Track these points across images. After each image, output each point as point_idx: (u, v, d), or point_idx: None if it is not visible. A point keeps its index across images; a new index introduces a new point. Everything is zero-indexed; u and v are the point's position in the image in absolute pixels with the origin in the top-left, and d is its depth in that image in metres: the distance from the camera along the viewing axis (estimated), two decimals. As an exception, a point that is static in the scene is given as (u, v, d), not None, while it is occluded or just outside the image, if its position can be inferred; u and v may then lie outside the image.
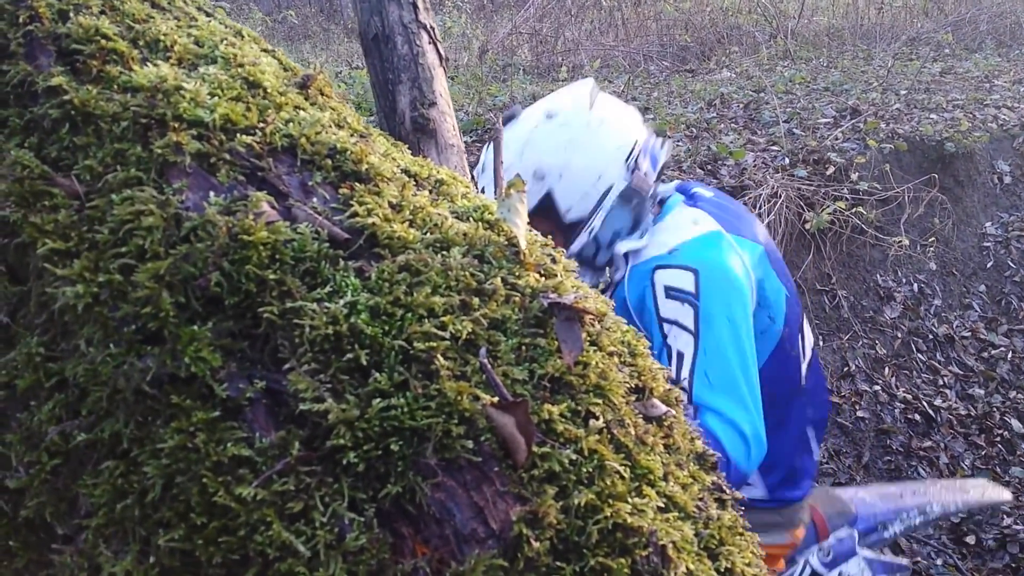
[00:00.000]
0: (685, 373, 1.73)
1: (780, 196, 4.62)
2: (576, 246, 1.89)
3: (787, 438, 1.98)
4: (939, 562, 4.02)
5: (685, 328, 1.74)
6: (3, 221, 0.74)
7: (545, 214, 1.84)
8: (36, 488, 0.68)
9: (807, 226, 4.72)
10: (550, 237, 1.82)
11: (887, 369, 4.84)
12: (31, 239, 0.73)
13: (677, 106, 6.28)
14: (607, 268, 1.94)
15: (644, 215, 1.92)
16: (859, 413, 4.58)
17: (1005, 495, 2.86)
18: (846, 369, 4.74)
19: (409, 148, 1.02)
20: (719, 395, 1.72)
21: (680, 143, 5.28)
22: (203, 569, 0.66)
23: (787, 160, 5.12)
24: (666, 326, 1.76)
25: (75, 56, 0.83)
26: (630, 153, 1.89)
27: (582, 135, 1.85)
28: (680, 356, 1.73)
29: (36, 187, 0.75)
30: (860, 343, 4.88)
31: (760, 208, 4.53)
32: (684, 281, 1.76)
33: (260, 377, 0.72)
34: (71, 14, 0.85)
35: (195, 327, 0.71)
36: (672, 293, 1.76)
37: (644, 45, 8.72)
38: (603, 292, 1.89)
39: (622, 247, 1.89)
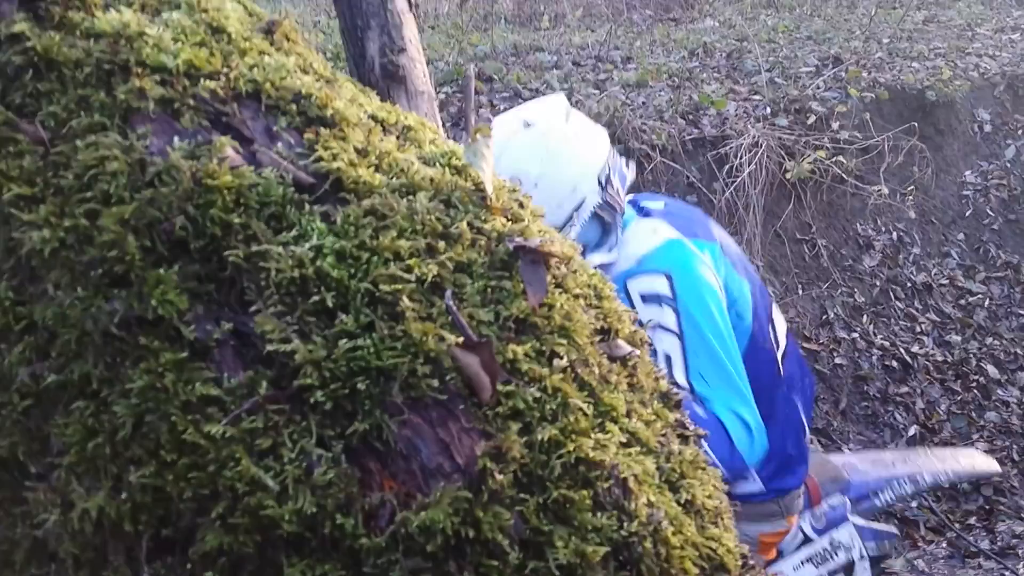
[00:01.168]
0: (679, 374, 1.76)
1: (761, 145, 4.62)
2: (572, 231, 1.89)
3: (776, 430, 2.00)
4: (914, 504, 4.12)
5: (668, 330, 1.75)
6: (-33, 167, 0.74)
7: None
8: (8, 428, 0.70)
9: (788, 175, 4.74)
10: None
11: (865, 317, 4.91)
12: (-4, 185, 0.74)
13: (660, 55, 6.24)
14: None
15: (613, 230, 1.94)
16: (837, 360, 4.65)
17: (994, 466, 2.93)
18: (824, 317, 4.80)
19: (379, 95, 1.03)
20: (719, 390, 1.75)
21: (662, 92, 5.26)
22: (174, 504, 0.68)
23: (768, 109, 5.12)
24: (650, 331, 1.76)
25: (37, 2, 0.82)
26: (602, 169, 1.92)
27: (560, 146, 1.86)
28: (668, 358, 1.76)
29: (1, 133, 0.75)
30: (839, 291, 4.94)
31: (741, 158, 4.54)
32: (658, 285, 1.78)
33: (227, 319, 0.73)
34: (31, -41, 0.84)
35: (161, 270, 0.72)
36: (648, 298, 1.78)
37: (627, -6, 8.61)
38: None
39: (592, 260, 1.89)
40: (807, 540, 2.32)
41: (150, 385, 0.69)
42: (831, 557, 2.38)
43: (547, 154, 1.85)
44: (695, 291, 1.79)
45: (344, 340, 0.73)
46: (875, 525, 2.60)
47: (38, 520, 0.68)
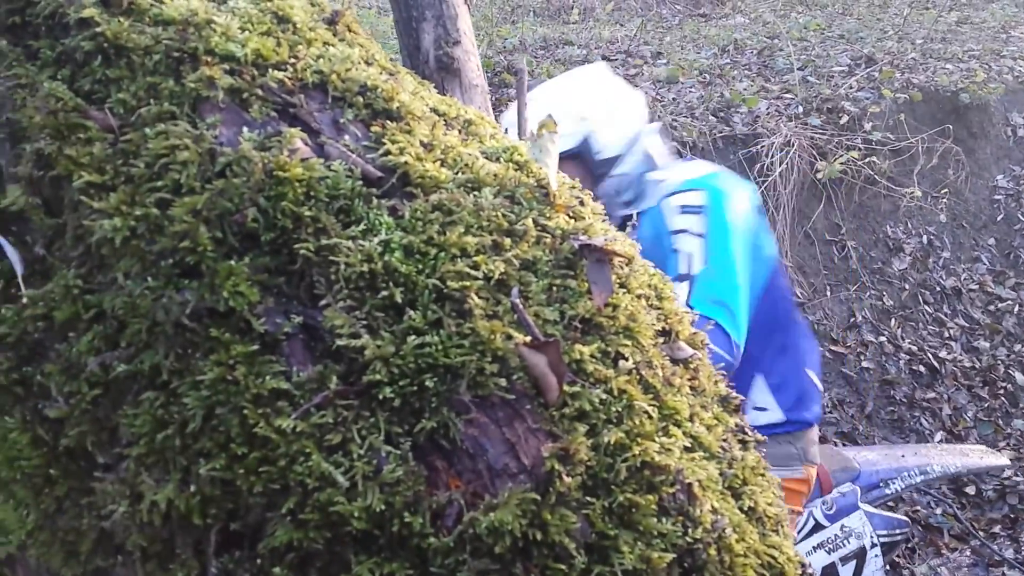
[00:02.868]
0: (695, 269, 1.84)
1: (793, 145, 4.58)
2: (607, 187, 1.96)
3: (792, 360, 2.10)
4: (938, 511, 4.08)
5: (696, 234, 1.86)
6: (38, 154, 0.74)
7: (576, 158, 1.92)
8: (76, 418, 0.69)
9: (819, 175, 4.70)
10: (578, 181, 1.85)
11: (893, 320, 4.86)
12: (66, 172, 0.73)
13: (690, 51, 6.20)
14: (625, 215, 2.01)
15: (647, 188, 2.02)
16: (864, 363, 4.60)
17: (1003, 460, 2.97)
18: (852, 320, 4.76)
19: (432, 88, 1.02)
20: (720, 294, 1.82)
21: (693, 89, 5.22)
22: (243, 498, 0.67)
23: (800, 108, 5.07)
24: (675, 236, 1.87)
25: (106, -13, 0.81)
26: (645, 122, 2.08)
27: (624, 89, 2.03)
28: (689, 256, 1.86)
29: (70, 120, 0.75)
30: (867, 294, 4.89)
31: (772, 157, 4.50)
32: (696, 198, 1.90)
33: (297, 312, 0.73)
34: (100, -56, 0.84)
35: (232, 262, 0.72)
36: (685, 209, 1.89)
37: (657, -12, 8.55)
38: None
39: (624, 211, 2.00)
40: (818, 527, 2.34)
41: (221, 377, 0.68)
42: (843, 544, 2.40)
43: (615, 92, 2.01)
44: (728, 205, 1.90)
45: (412, 336, 0.73)
46: (886, 513, 2.61)
47: (105, 511, 0.68)
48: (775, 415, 2.07)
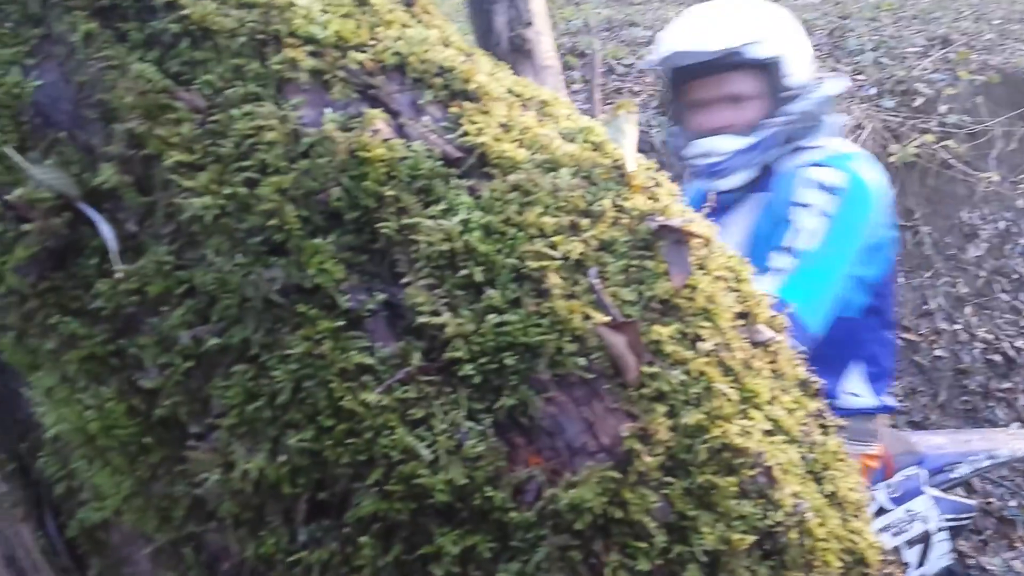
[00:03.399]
0: (803, 245, 1.75)
1: (865, 128, 4.47)
2: (792, 112, 1.86)
3: (889, 351, 2.07)
4: (1013, 504, 3.97)
5: (822, 214, 1.77)
6: (130, 133, 0.76)
7: (762, 70, 1.85)
8: (170, 389, 0.72)
9: (892, 159, 4.58)
10: (746, 104, 1.85)
11: (968, 308, 4.72)
12: (157, 151, 0.76)
13: (758, 33, 6.07)
14: (767, 155, 1.91)
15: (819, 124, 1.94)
16: (937, 352, 4.48)
17: None
18: (925, 307, 4.63)
19: (506, 69, 1.02)
20: (823, 276, 1.75)
21: (760, 72, 5.12)
22: (330, 468, 0.69)
23: (873, 90, 4.94)
24: (793, 208, 1.78)
25: (193, -29, 0.83)
26: None
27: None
28: (805, 232, 1.75)
29: (159, 101, 0.77)
30: (941, 281, 4.76)
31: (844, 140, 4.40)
32: (834, 178, 1.79)
33: (379, 290, 0.74)
34: (187, -71, 0.86)
35: (318, 240, 0.73)
36: (821, 186, 1.79)
37: (723, -31, 8.41)
38: (757, 180, 1.92)
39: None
40: (882, 510, 2.30)
41: (308, 352, 0.70)
42: (907, 528, 2.36)
43: (801, 31, 1.96)
44: (863, 199, 1.81)
45: (492, 315, 0.73)
46: (952, 497, 2.55)
47: (198, 479, 0.70)
48: (868, 401, 2.04)
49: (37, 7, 0.82)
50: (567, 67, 4.80)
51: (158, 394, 0.72)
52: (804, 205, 1.78)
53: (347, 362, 0.70)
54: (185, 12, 0.80)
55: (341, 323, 0.71)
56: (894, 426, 4.01)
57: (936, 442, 2.65)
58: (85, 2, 0.81)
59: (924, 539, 2.38)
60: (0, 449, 0.78)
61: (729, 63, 1.83)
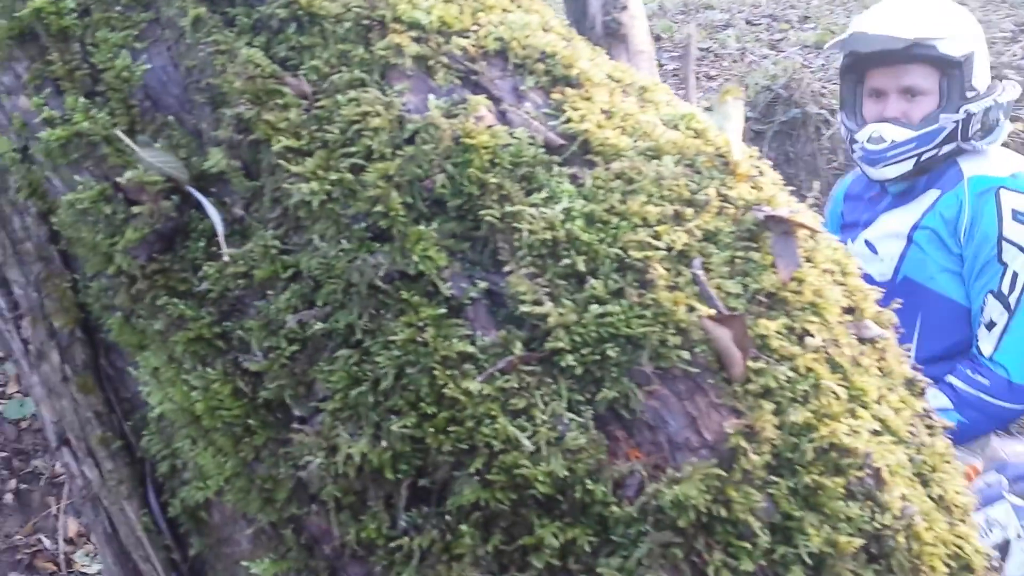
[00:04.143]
0: (1016, 295, 1.80)
1: (952, 115, 4.31)
2: (970, 112, 1.85)
3: None
4: (1100, 508, 3.81)
5: None
6: (238, 118, 0.77)
7: (951, 67, 1.84)
8: (275, 372, 0.73)
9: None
10: (921, 98, 1.86)
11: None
12: (265, 136, 0.76)
13: (840, 15, 5.91)
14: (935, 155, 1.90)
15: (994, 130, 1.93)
16: None
17: None
18: None
19: (599, 54, 1.00)
20: None
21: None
22: (432, 455, 0.69)
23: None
24: (1006, 245, 1.79)
25: (297, -45, 0.84)
26: None
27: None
28: (1015, 276, 1.80)
29: (268, 86, 0.78)
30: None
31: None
32: None
33: (481, 278, 0.74)
34: (293, -87, 0.86)
35: (422, 227, 0.73)
36: (1019, 216, 1.79)
37: (804, -50, 8.19)
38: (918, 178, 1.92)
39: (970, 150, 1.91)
40: None
41: (411, 338, 0.70)
42: (986, 534, 2.29)
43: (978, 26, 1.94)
44: None
45: (594, 305, 0.72)
46: None
47: (302, 462, 0.71)
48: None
49: (147, -9, 0.83)
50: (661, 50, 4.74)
51: (263, 377, 0.73)
52: (1010, 242, 1.79)
53: (449, 350, 0.70)
54: (292, -3, 0.81)
55: (443, 310, 0.71)
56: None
57: (1018, 449, 2.57)
58: (194, -14, 0.81)
59: (1004, 546, 2.31)
60: (106, 427, 0.80)
61: (913, 55, 1.83)
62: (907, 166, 1.89)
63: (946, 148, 1.87)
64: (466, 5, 0.87)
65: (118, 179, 0.76)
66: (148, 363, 0.77)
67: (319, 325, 0.71)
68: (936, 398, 1.85)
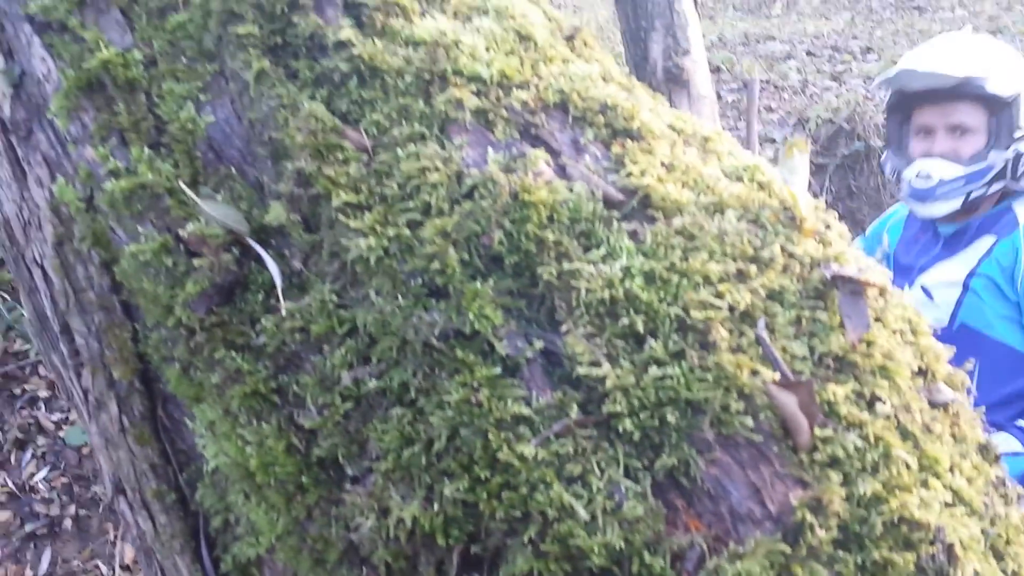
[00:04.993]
0: None
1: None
2: (1011, 151, 1.84)
3: None
4: None
5: None
6: (299, 173, 0.77)
7: (1000, 107, 1.82)
8: (329, 429, 0.72)
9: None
10: (969, 136, 1.83)
11: None
12: (325, 191, 0.76)
13: (904, 47, 5.81)
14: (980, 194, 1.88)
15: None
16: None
17: None
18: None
19: (660, 99, 0.99)
20: None
21: (907, 88, 4.89)
22: (484, 521, 0.67)
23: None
24: None
25: (360, 9, 0.84)
26: None
27: None
28: None
29: (328, 140, 0.78)
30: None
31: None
32: None
33: (537, 336, 0.72)
34: (356, -34, 0.87)
35: (478, 284, 0.72)
36: None
37: (867, -21, 8.09)
38: (964, 222, 1.90)
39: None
40: None
41: (465, 399, 0.69)
42: None
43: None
44: None
45: (653, 367, 0.70)
46: None
47: (353, 523, 0.70)
48: None
49: (212, 43, 0.84)
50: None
51: (317, 434, 0.72)
52: None
53: (504, 411, 0.68)
54: (355, 51, 0.81)
55: (498, 370, 0.70)
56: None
57: None
58: (258, 39, 0.82)
59: None
60: (161, 480, 0.80)
61: (961, 93, 1.81)
62: (956, 204, 1.86)
63: (995, 187, 1.84)
64: (527, 57, 0.86)
65: (180, 232, 0.77)
66: (204, 416, 0.77)
67: (374, 382, 0.71)
68: (1007, 442, 1.79)
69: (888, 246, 2.13)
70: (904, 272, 2.01)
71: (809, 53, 5.65)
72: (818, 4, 7.32)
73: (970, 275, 1.86)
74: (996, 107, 1.82)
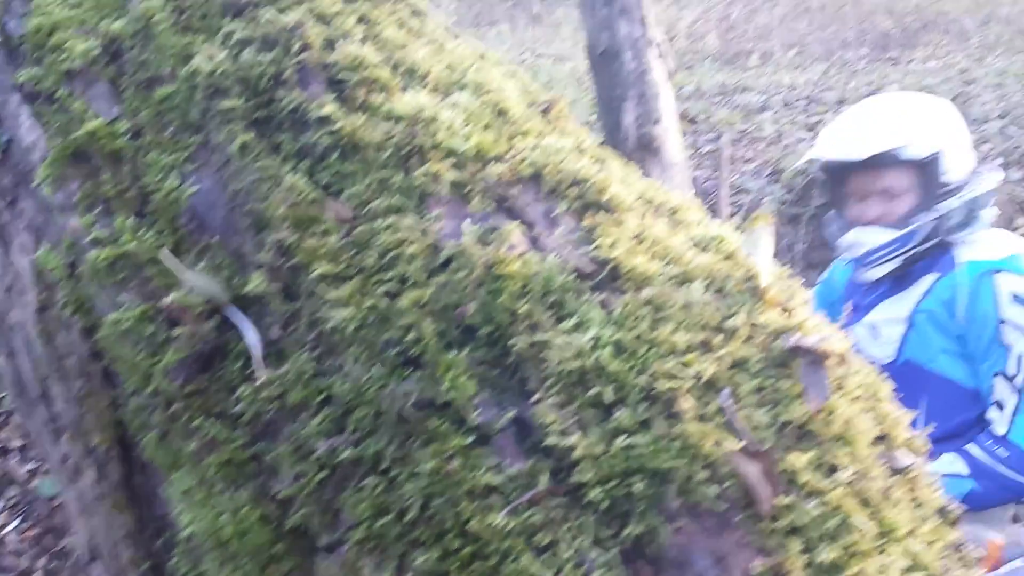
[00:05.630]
0: (1023, 376, 1.82)
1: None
2: (940, 208, 1.89)
3: None
4: None
5: None
6: (280, 243, 0.80)
7: (918, 168, 1.87)
8: (303, 498, 0.73)
9: (1019, 232, 4.37)
10: (899, 198, 1.87)
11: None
12: (304, 261, 0.78)
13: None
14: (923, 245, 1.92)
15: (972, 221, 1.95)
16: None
17: None
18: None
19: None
20: None
21: (879, 139, 5.00)
22: (456, 592, 0.69)
23: (999, 161, 4.74)
24: (1007, 328, 1.82)
25: (342, 84, 0.87)
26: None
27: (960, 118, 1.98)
28: (1020, 358, 1.82)
29: (309, 212, 0.80)
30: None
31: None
32: None
33: (510, 406, 0.74)
34: (338, 42, 0.90)
35: (453, 354, 0.74)
36: (1019, 299, 1.82)
37: (840, 31, 8.30)
38: (908, 264, 1.93)
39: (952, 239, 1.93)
40: None
41: (438, 469, 0.71)
42: None
43: (959, 118, 1.95)
44: None
45: (621, 437, 0.73)
46: None
47: (327, 592, 0.71)
48: None
49: (197, 116, 0.87)
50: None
51: (291, 503, 0.74)
52: (1011, 324, 1.81)
53: (475, 481, 0.70)
54: (337, 126, 0.84)
55: (471, 439, 0.72)
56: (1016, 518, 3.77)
57: None
58: (243, 112, 0.85)
59: None
60: (137, 547, 0.81)
61: (881, 163, 1.86)
62: (892, 266, 1.93)
63: (928, 244, 1.90)
64: (503, 131, 0.89)
65: (161, 301, 0.79)
66: (180, 484, 0.78)
67: (348, 452, 0.72)
68: (952, 464, 1.85)
69: (838, 287, 2.19)
70: (852, 313, 2.07)
71: (785, 104, 5.77)
72: (793, 56, 7.49)
73: (914, 311, 1.93)
74: (919, 168, 1.87)
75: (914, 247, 1.89)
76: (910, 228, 1.88)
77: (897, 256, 1.91)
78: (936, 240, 1.89)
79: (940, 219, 1.88)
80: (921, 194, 1.89)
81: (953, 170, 1.89)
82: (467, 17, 9.63)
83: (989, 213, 1.94)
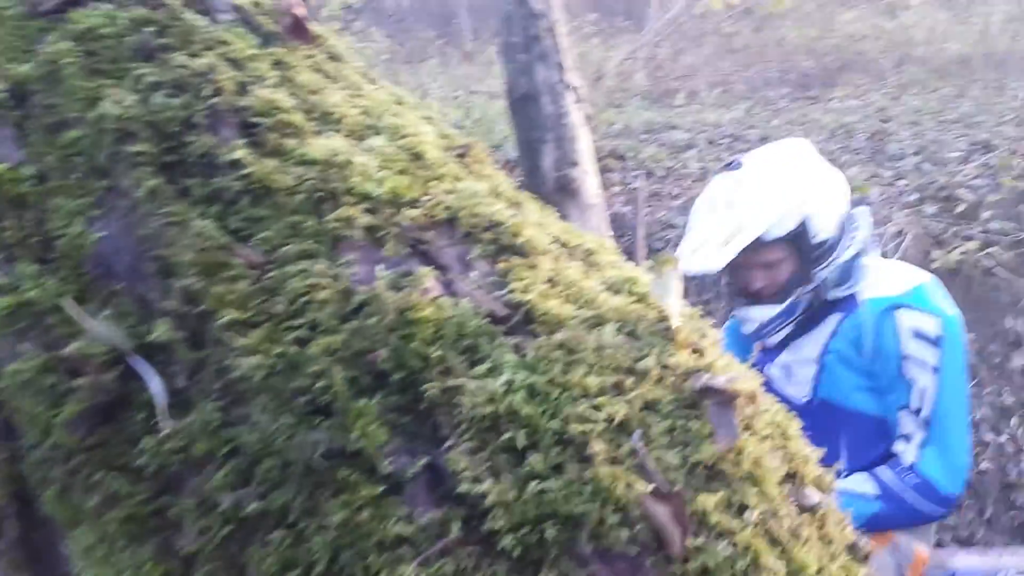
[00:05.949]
0: (927, 409, 1.87)
1: (906, 234, 4.45)
2: (821, 274, 1.93)
3: None
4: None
5: (930, 368, 1.86)
6: (186, 290, 0.78)
7: (791, 242, 1.90)
8: (208, 554, 0.72)
9: (935, 265, 4.53)
10: (780, 266, 1.92)
11: (1015, 419, 4.58)
12: (212, 308, 0.77)
13: (798, 135, 6.13)
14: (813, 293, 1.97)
15: (855, 271, 1.98)
16: (983, 465, 4.34)
17: None
18: (971, 418, 4.51)
19: (550, 205, 1.03)
20: (952, 434, 1.87)
21: (800, 176, 5.15)
22: (365, 646, 0.67)
23: (915, 196, 4.93)
24: (909, 364, 1.87)
25: (255, 129, 0.87)
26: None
27: (832, 171, 2.00)
28: (923, 392, 1.88)
29: (217, 258, 0.79)
30: (986, 391, 4.64)
31: (886, 246, 4.38)
32: (929, 326, 1.87)
33: (422, 453, 0.74)
34: (250, 87, 0.90)
35: (363, 401, 0.73)
36: (919, 334, 1.87)
37: (763, 71, 8.56)
38: (814, 312, 1.97)
39: (834, 294, 1.96)
40: None
41: (347, 520, 0.69)
42: None
43: (828, 174, 1.97)
44: (957, 338, 1.89)
45: (534, 482, 0.73)
46: None
47: (234, 649, 0.69)
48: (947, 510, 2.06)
49: (104, 160, 0.85)
50: (606, 169, 4.87)
51: (195, 559, 0.72)
52: (912, 359, 1.86)
53: (385, 532, 0.69)
54: (248, 170, 0.83)
55: (381, 488, 0.71)
56: (942, 545, 3.87)
57: (968, 560, 2.63)
58: (151, 157, 0.84)
59: None
60: (38, 604, 0.78)
61: (752, 248, 1.88)
62: (787, 331, 2.01)
63: (816, 303, 1.96)
64: (419, 175, 0.90)
65: (62, 351, 0.77)
66: (81, 540, 0.75)
67: (255, 504, 0.71)
68: (862, 484, 1.90)
69: (737, 338, 2.24)
70: (765, 351, 2.12)
71: (709, 141, 5.91)
72: (718, 95, 7.69)
73: (823, 352, 1.98)
74: (791, 240, 1.91)
75: (803, 311, 1.96)
76: (790, 301, 1.95)
77: (789, 323, 1.98)
78: (822, 301, 1.95)
79: (818, 287, 1.93)
80: (799, 258, 1.93)
81: (824, 228, 1.91)
82: (400, 54, 9.66)
83: (871, 258, 1.98)
